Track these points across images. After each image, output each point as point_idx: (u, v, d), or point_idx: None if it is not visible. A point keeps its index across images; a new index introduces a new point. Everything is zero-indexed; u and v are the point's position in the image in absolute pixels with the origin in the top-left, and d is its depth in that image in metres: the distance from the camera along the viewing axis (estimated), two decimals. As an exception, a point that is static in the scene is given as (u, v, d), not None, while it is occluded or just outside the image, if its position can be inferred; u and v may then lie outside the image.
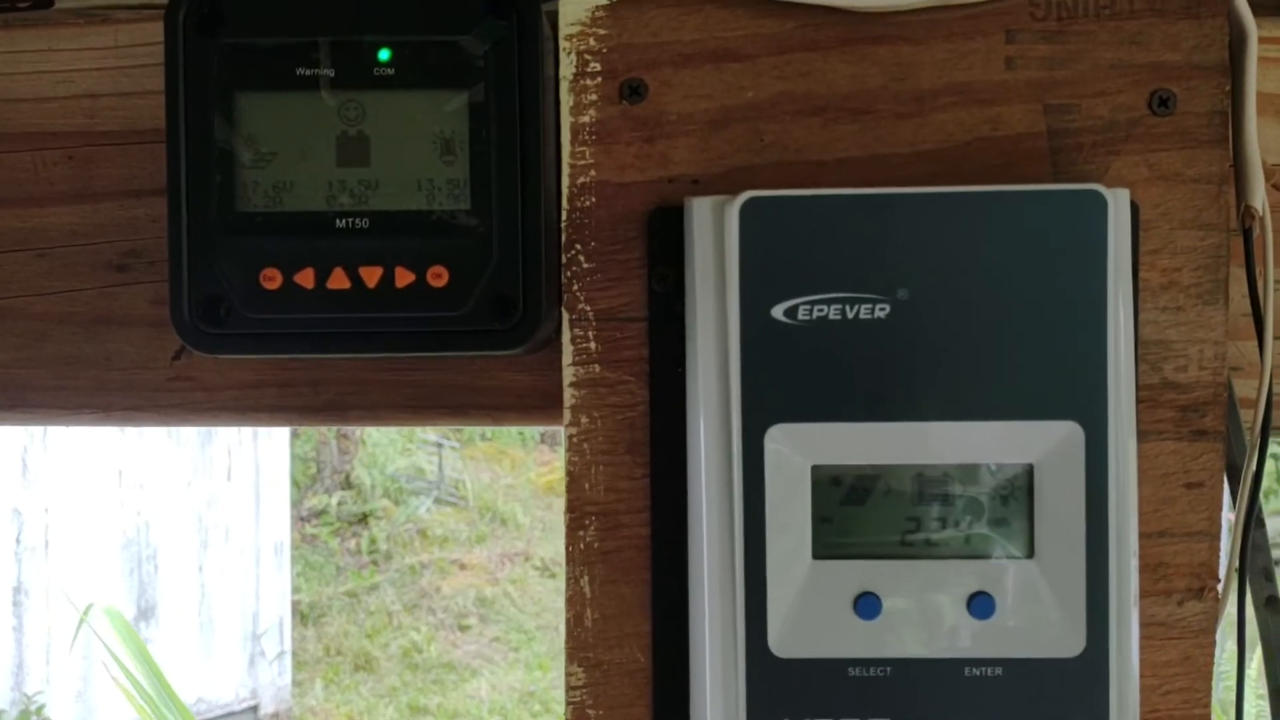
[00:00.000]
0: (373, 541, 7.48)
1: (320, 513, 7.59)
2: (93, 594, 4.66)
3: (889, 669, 0.54)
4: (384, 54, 0.56)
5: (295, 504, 7.01)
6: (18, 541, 4.78)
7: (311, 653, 6.65)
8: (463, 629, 6.94)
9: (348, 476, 7.78)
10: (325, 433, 7.46)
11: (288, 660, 6.02)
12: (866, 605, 0.54)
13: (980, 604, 0.54)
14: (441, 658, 6.70)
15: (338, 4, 0.56)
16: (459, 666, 6.64)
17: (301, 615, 6.76)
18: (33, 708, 4.78)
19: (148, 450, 5.20)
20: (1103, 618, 0.53)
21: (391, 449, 7.93)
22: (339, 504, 7.63)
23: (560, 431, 0.60)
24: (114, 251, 0.65)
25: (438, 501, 7.89)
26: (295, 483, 7.08)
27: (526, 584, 7.24)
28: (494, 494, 7.97)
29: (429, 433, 7.87)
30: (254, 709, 5.78)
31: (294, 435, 6.90)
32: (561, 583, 0.58)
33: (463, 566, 7.41)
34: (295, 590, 6.47)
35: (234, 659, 5.67)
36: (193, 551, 5.49)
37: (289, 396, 0.65)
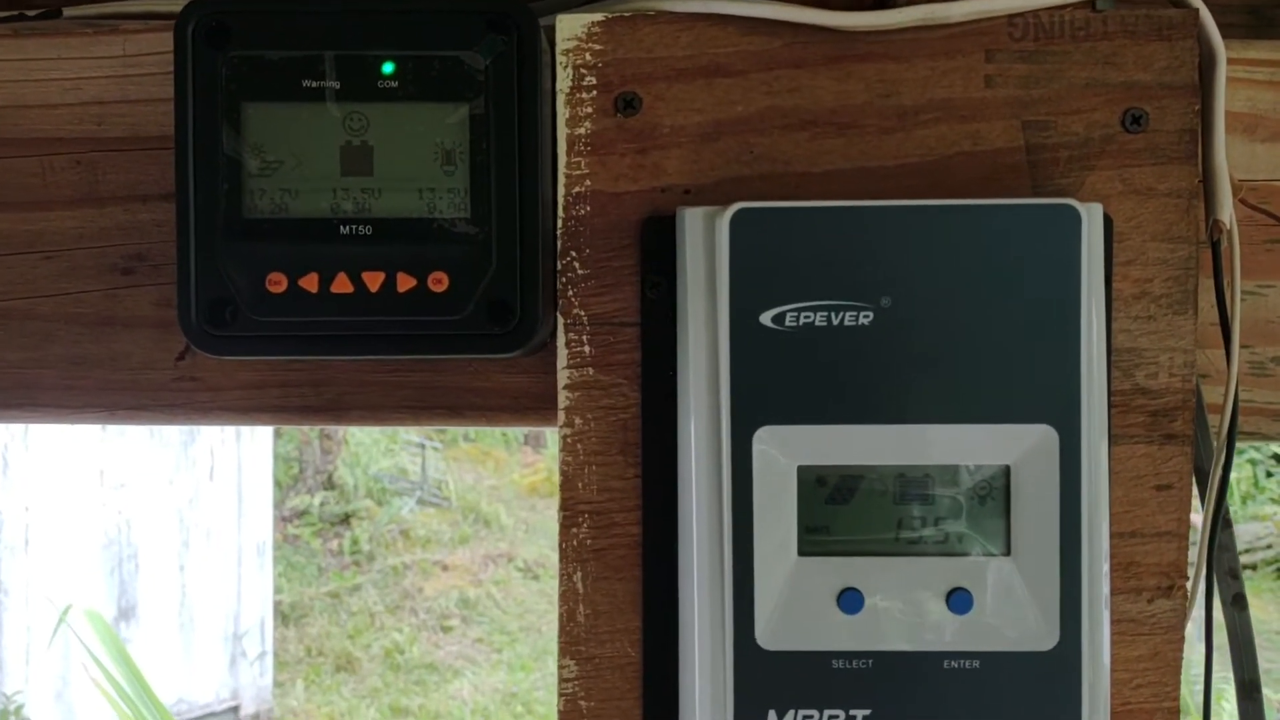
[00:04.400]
0: (355, 542, 7.45)
1: (303, 513, 7.56)
2: (73, 593, 4.64)
3: (871, 661, 0.56)
4: (388, 67, 0.57)
5: (277, 504, 6.97)
6: (-3, 540, 4.75)
7: (293, 653, 6.62)
8: (445, 630, 6.92)
9: (330, 476, 7.75)
10: (308, 432, 7.43)
11: (269, 661, 5.99)
12: (849, 600, 0.56)
13: (959, 599, 0.55)
14: (424, 658, 6.68)
15: (343, 19, 0.57)
16: (441, 667, 6.62)
17: (283, 616, 6.73)
18: (11, 708, 4.74)
19: (129, 449, 5.17)
20: (1075, 613, 0.55)
21: (375, 449, 7.90)
22: (321, 504, 7.59)
23: (544, 433, 0.61)
24: (120, 254, 0.66)
25: (420, 502, 7.86)
26: (278, 483, 7.04)
27: (509, 585, 7.22)
28: (477, 495, 7.95)
29: (412, 433, 7.85)
30: (235, 709, 5.75)
31: (277, 435, 6.87)
32: (544, 584, 0.60)
33: (445, 567, 7.39)
34: (277, 590, 6.44)
35: (215, 659, 5.64)
36: (174, 551, 5.45)
37: (291, 397, 0.66)
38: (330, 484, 7.73)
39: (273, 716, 5.98)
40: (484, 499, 7.92)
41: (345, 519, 7.61)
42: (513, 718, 6.19)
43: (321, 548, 7.42)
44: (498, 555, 7.48)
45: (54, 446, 4.83)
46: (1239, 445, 0.64)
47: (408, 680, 6.51)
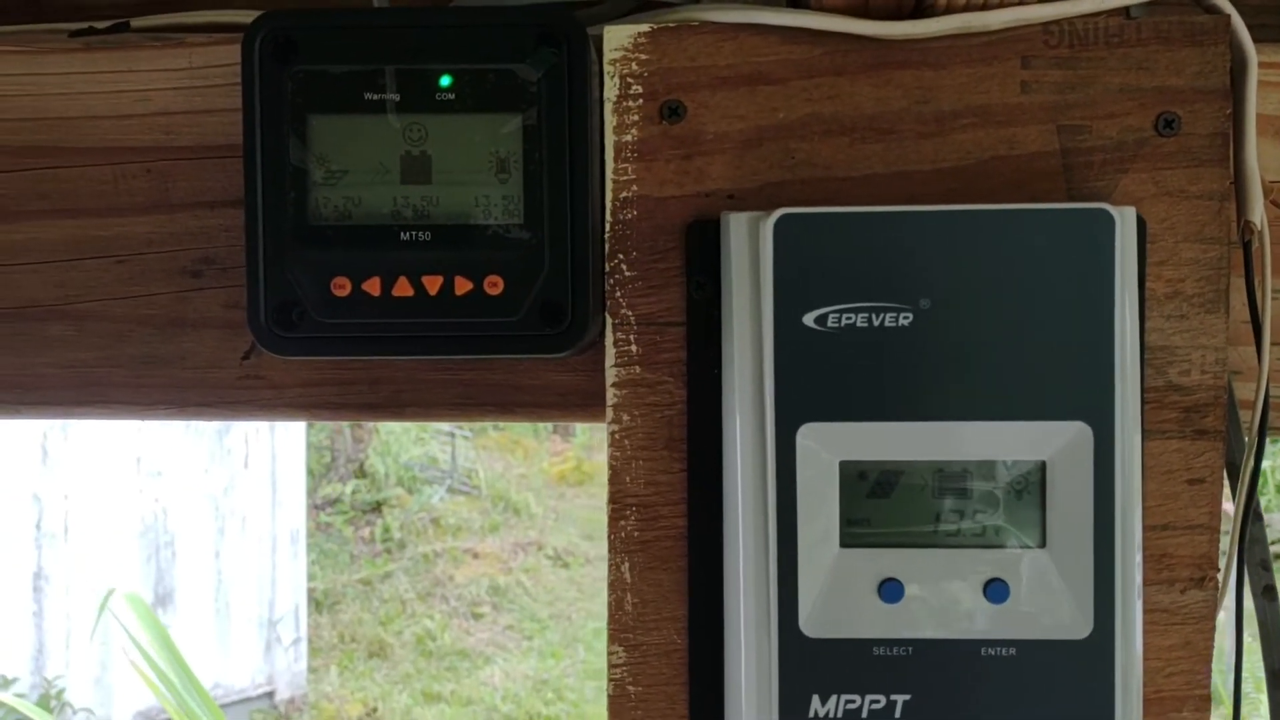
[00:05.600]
0: (386, 530, 7.51)
1: (335, 501, 7.63)
2: (111, 580, 4.72)
3: (910, 649, 0.57)
4: (445, 80, 0.59)
5: (310, 492, 7.04)
6: (38, 528, 4.82)
7: (326, 639, 6.69)
8: (476, 617, 6.97)
9: (362, 465, 7.81)
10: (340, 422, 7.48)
11: (303, 647, 6.05)
12: (890, 590, 0.57)
13: (995, 589, 0.57)
14: (455, 645, 6.73)
15: (403, 35, 0.59)
16: (472, 654, 6.67)
17: (316, 602, 6.80)
18: (53, 691, 4.82)
19: (166, 438, 5.23)
20: (1109, 603, 0.57)
21: (405, 438, 7.95)
22: (353, 492, 7.66)
23: (572, 423, 0.62)
24: (189, 258, 0.68)
25: (451, 491, 7.91)
26: (310, 471, 7.11)
27: (539, 573, 7.26)
28: (506, 483, 7.99)
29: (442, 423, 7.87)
30: (269, 695, 5.82)
31: (309, 424, 6.93)
32: (573, 572, 0.61)
33: (475, 555, 7.44)
34: (310, 578, 6.51)
35: (250, 645, 5.71)
36: (210, 539, 5.52)
37: (350, 394, 0.68)
38: (362, 472, 7.80)
39: (307, 702, 6.05)
40: (513, 487, 7.96)
41: (377, 507, 7.67)
42: (543, 704, 6.23)
43: (353, 535, 7.49)
44: (527, 543, 7.52)
45: (92, 435, 4.89)
46: (1275, 438, 0.65)
47: (439, 666, 6.56)
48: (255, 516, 5.74)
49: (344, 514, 7.59)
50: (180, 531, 5.37)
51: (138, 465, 5.19)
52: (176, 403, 0.69)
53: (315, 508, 7.40)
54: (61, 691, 4.85)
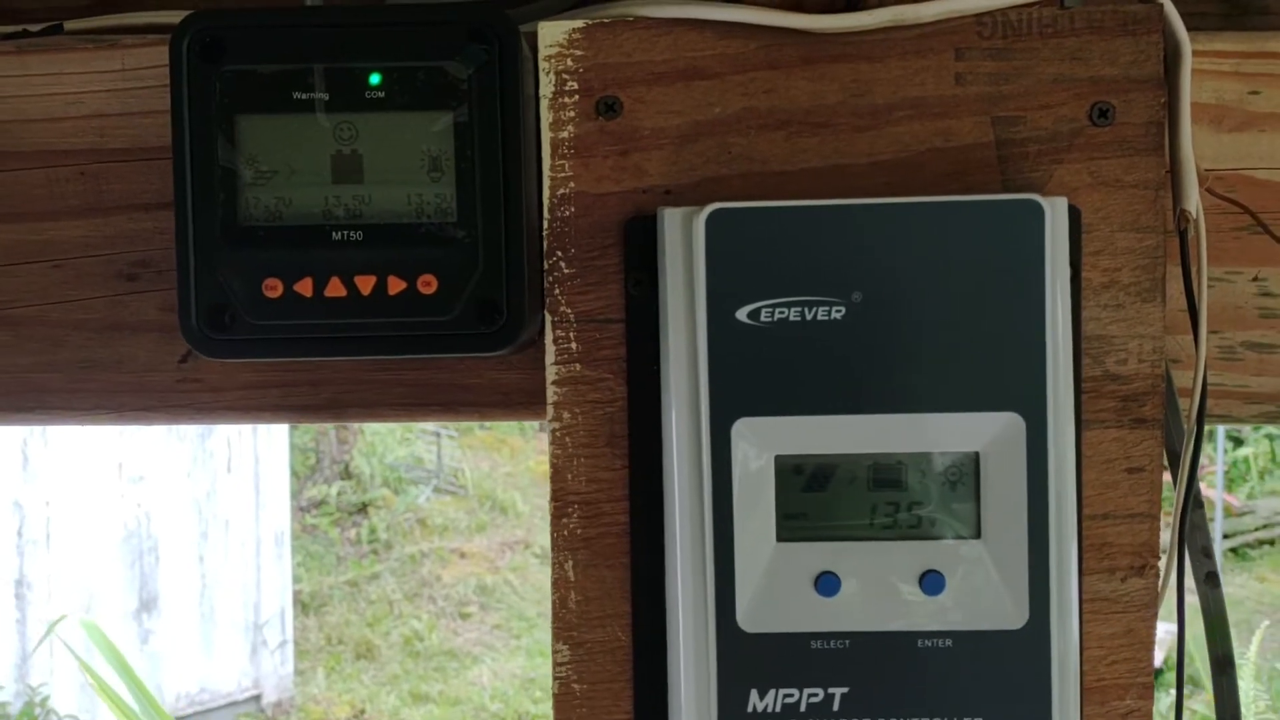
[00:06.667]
0: (373, 531, 7.50)
1: (320, 503, 7.60)
2: (95, 587, 4.70)
3: (847, 642, 0.57)
4: (375, 78, 0.59)
5: (295, 494, 7.02)
6: (19, 535, 4.80)
7: (313, 642, 6.67)
8: (463, 617, 6.96)
9: (347, 466, 7.79)
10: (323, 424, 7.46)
11: (290, 649, 6.04)
12: (826, 583, 0.57)
13: (931, 581, 0.57)
14: (443, 645, 6.72)
15: (331, 33, 0.59)
16: (460, 654, 6.66)
17: (303, 605, 6.78)
18: (37, 699, 4.80)
19: (147, 443, 5.21)
20: (1044, 592, 0.57)
21: (390, 438, 7.93)
22: (339, 494, 7.64)
23: (518, 422, 0.62)
24: (124, 262, 0.68)
25: (437, 491, 7.90)
26: (295, 473, 7.09)
27: (527, 572, 7.26)
28: (493, 483, 7.98)
29: (427, 423, 7.87)
30: (256, 698, 5.80)
31: (293, 426, 6.91)
32: None
33: (463, 555, 7.43)
34: (296, 580, 6.49)
35: (236, 649, 5.69)
36: (193, 543, 5.50)
37: (291, 396, 0.68)
38: (347, 474, 7.77)
39: (294, 704, 6.04)
40: (500, 486, 7.95)
41: (362, 508, 7.65)
42: (531, 703, 6.23)
43: (339, 537, 7.47)
44: (515, 542, 7.51)
45: (73, 442, 4.87)
46: (1255, 425, 0.65)
47: (427, 667, 6.55)
48: (239, 520, 5.73)
49: (329, 515, 7.56)
50: (163, 536, 5.36)
51: (119, 471, 5.17)
52: (114, 407, 0.68)
53: (300, 509, 7.38)
54: (46, 699, 4.83)
